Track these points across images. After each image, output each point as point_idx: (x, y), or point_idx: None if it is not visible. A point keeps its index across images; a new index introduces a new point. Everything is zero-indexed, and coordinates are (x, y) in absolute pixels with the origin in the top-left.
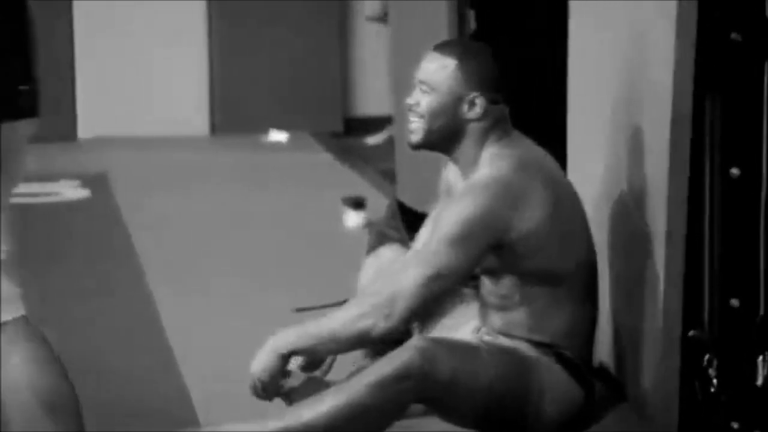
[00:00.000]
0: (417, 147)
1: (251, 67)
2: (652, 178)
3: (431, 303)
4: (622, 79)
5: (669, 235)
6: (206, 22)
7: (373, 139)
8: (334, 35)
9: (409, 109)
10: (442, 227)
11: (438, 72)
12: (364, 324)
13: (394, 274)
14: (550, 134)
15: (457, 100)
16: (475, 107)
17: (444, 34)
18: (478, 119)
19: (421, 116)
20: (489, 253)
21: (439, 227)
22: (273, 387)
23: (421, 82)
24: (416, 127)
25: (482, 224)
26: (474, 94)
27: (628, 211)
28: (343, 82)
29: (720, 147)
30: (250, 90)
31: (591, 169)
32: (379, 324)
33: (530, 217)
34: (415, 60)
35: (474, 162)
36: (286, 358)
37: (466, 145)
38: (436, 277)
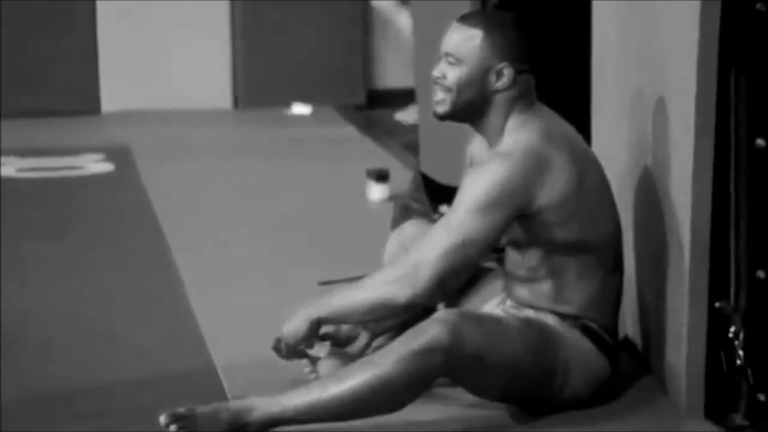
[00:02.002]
0: (443, 118)
1: (274, 40)
2: (678, 149)
3: (457, 272)
4: (647, 50)
5: (695, 206)
6: None
7: (402, 115)
8: (356, 7)
9: (435, 82)
10: (467, 195)
11: (464, 43)
12: (389, 291)
13: (420, 244)
14: (574, 106)
15: (484, 71)
16: (503, 77)
17: (467, 6)
18: (505, 89)
19: (448, 89)
20: (514, 223)
21: (464, 195)
22: (296, 351)
23: (447, 54)
24: (442, 99)
25: (508, 191)
26: (501, 64)
27: (654, 184)
28: (366, 55)
29: (745, 118)
30: (272, 63)
31: (616, 141)
32: (404, 292)
33: (556, 187)
34: (439, 32)
35: (499, 131)
36: (315, 325)
37: (492, 115)
38: (461, 245)
